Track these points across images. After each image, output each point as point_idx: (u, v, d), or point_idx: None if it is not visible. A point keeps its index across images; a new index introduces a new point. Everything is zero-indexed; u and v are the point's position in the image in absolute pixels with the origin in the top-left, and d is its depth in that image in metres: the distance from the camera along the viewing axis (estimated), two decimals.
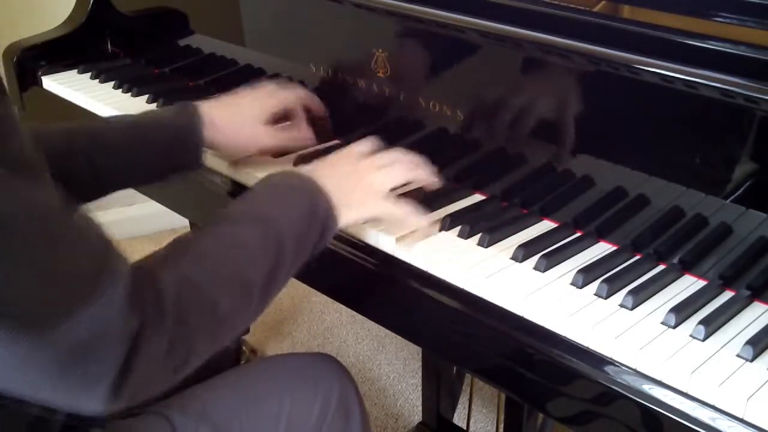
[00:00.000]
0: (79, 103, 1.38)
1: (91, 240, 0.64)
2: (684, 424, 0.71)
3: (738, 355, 0.74)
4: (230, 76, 1.35)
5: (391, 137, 1.11)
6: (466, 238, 0.93)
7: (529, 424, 1.22)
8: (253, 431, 0.91)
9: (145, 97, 1.35)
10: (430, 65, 1.05)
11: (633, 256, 0.90)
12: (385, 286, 0.95)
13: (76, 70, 1.48)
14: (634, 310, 0.81)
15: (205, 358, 0.72)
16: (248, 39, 1.30)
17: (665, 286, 0.85)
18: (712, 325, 0.77)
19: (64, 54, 1.49)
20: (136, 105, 1.33)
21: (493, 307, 0.84)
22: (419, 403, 1.65)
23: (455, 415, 1.59)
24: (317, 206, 0.84)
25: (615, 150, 0.91)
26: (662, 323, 0.78)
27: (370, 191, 0.89)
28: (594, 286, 0.84)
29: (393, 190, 0.92)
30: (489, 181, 1.03)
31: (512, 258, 0.89)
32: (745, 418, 0.69)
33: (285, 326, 2.08)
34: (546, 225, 0.97)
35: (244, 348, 1.88)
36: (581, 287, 0.84)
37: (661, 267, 0.88)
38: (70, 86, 1.41)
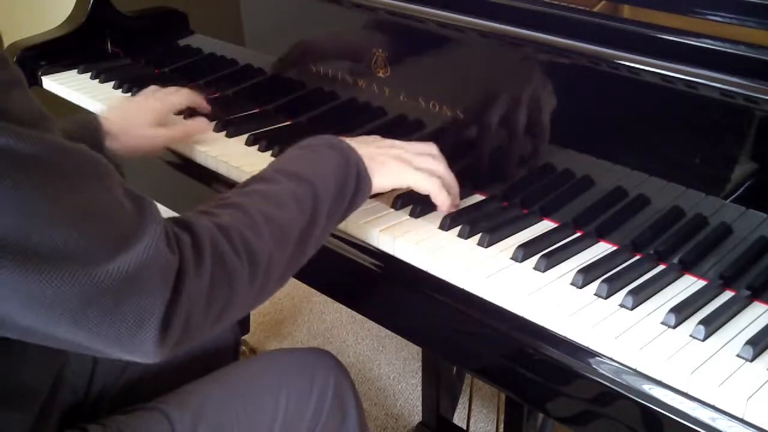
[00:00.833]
0: (79, 103, 1.38)
1: (121, 185, 0.67)
2: (684, 424, 0.71)
3: (738, 355, 0.74)
4: (230, 76, 1.35)
5: (391, 137, 1.12)
6: (466, 238, 0.93)
7: (529, 424, 1.22)
8: (250, 427, 0.91)
9: None
10: (430, 65, 1.05)
11: (633, 256, 0.90)
12: (385, 286, 0.95)
13: (76, 70, 1.48)
14: (634, 310, 0.81)
15: (248, 306, 0.76)
16: (248, 39, 1.30)
17: (665, 286, 0.85)
18: (712, 325, 0.77)
19: (64, 54, 1.49)
20: None
21: (493, 307, 0.84)
22: (419, 403, 1.65)
23: (455, 415, 1.59)
24: (351, 165, 0.86)
25: (615, 150, 0.91)
26: (662, 323, 0.78)
27: (396, 161, 0.91)
28: (594, 286, 0.84)
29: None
30: (489, 181, 1.03)
31: (512, 258, 0.89)
32: (745, 418, 0.69)
33: (285, 326, 2.08)
34: (546, 225, 0.97)
35: (244, 348, 1.88)
36: (581, 287, 0.84)
37: (661, 267, 0.88)
38: (70, 86, 1.41)
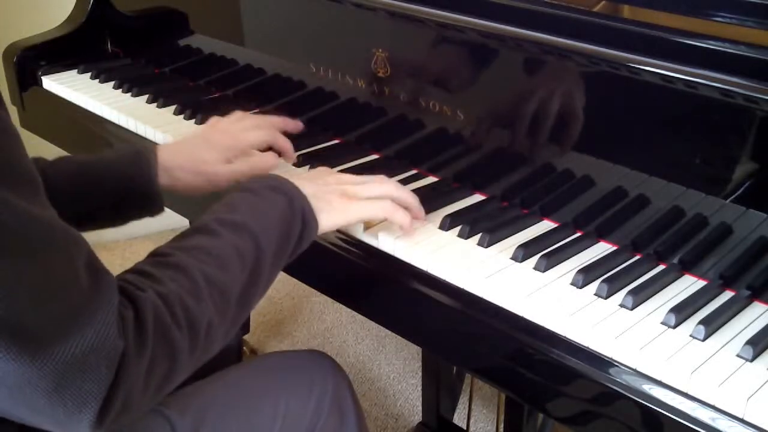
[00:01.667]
0: (79, 103, 1.38)
1: (84, 260, 0.64)
2: (684, 424, 0.71)
3: (738, 355, 0.74)
4: (230, 76, 1.35)
5: (392, 137, 1.12)
6: (466, 238, 0.93)
7: (529, 424, 1.22)
8: (249, 430, 0.91)
9: (145, 97, 1.35)
10: (429, 65, 1.05)
11: (633, 256, 0.90)
12: (385, 287, 0.95)
13: (76, 70, 1.48)
14: (634, 310, 0.81)
15: (190, 371, 0.72)
16: (248, 39, 1.30)
17: (665, 286, 0.85)
18: (712, 325, 0.77)
19: (64, 54, 1.49)
20: (136, 105, 1.33)
21: (493, 307, 0.84)
22: (419, 403, 1.65)
23: (455, 415, 1.59)
24: (295, 208, 0.83)
25: (615, 150, 0.91)
26: (662, 323, 0.78)
27: (344, 198, 0.88)
28: (594, 286, 0.84)
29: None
30: (489, 181, 1.03)
31: (512, 258, 0.89)
32: (745, 418, 0.69)
33: (285, 326, 2.08)
34: (546, 225, 0.97)
35: (244, 348, 1.88)
36: (581, 287, 0.84)
37: (661, 267, 0.88)
38: (70, 86, 1.41)
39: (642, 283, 0.84)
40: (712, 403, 0.70)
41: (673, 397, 0.72)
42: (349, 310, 1.16)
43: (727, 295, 0.83)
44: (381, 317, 0.99)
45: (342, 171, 1.07)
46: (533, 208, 0.99)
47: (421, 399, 1.60)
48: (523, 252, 0.89)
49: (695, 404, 0.71)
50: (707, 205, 0.85)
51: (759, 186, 0.81)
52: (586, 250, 0.91)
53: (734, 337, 0.77)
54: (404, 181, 1.05)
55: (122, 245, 2.17)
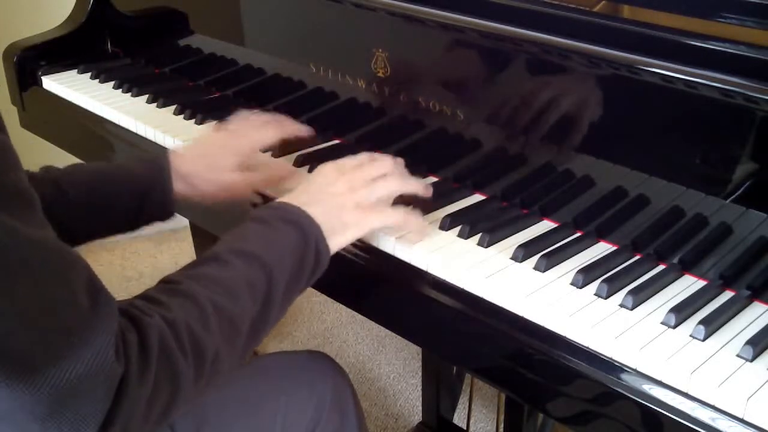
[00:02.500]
0: (79, 103, 1.38)
1: (83, 281, 0.62)
2: (684, 424, 0.71)
3: (738, 355, 0.74)
4: (230, 76, 1.35)
5: (392, 137, 1.12)
6: (466, 238, 0.93)
7: (529, 424, 1.22)
8: (250, 430, 0.91)
9: (145, 97, 1.35)
10: (430, 65, 1.05)
11: (633, 256, 0.90)
12: (385, 286, 0.95)
13: (76, 70, 1.48)
14: (634, 310, 0.81)
15: (193, 399, 0.70)
16: (248, 39, 1.30)
17: (665, 286, 0.85)
18: (712, 325, 0.77)
19: (64, 54, 1.49)
20: (136, 105, 1.33)
21: (493, 307, 0.84)
22: (419, 403, 1.66)
23: (455, 415, 1.59)
24: (309, 241, 0.81)
25: (615, 150, 0.91)
26: (662, 323, 0.78)
27: (359, 209, 0.86)
28: (594, 286, 0.84)
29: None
30: (489, 181, 1.03)
31: (512, 258, 0.89)
32: (745, 418, 0.69)
33: (285, 326, 2.08)
34: (546, 225, 0.97)
35: None
36: (581, 287, 0.84)
37: (661, 267, 0.88)
38: (70, 86, 1.41)
39: (642, 283, 0.84)
40: (712, 403, 0.70)
41: (673, 397, 0.72)
42: (349, 310, 1.16)
43: (727, 295, 0.83)
44: (381, 317, 0.99)
45: None
46: (533, 208, 0.99)
47: (421, 399, 1.60)
48: (523, 252, 0.89)
49: (695, 404, 0.71)
50: (707, 205, 0.85)
51: (759, 186, 0.81)
52: (586, 250, 0.91)
53: (734, 337, 0.77)
54: None
55: (122, 245, 2.17)
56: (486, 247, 0.91)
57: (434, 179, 1.07)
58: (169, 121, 1.26)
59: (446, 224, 0.95)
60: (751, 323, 0.79)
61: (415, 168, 1.09)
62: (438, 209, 0.99)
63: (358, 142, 1.16)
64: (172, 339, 0.67)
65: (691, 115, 0.84)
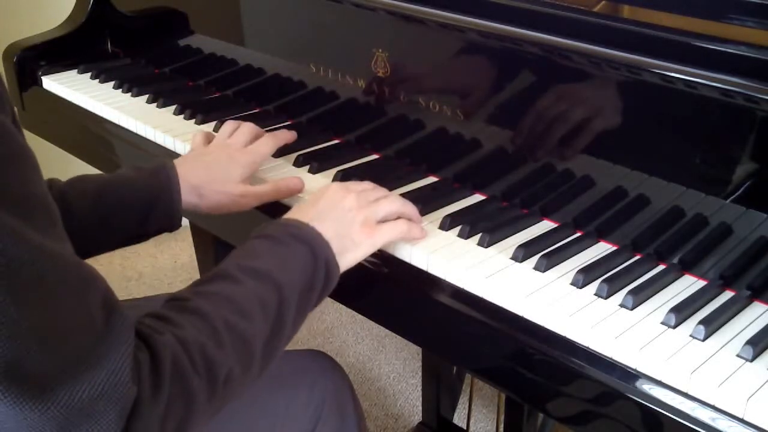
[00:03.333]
0: (79, 103, 1.38)
1: (99, 298, 0.61)
2: (684, 424, 0.71)
3: (738, 355, 0.74)
4: (230, 76, 1.35)
5: (392, 137, 1.12)
6: (466, 238, 0.93)
7: (529, 424, 1.22)
8: (250, 430, 0.91)
9: (145, 97, 1.35)
10: (430, 65, 1.05)
11: (633, 256, 0.90)
12: (384, 286, 0.95)
13: (76, 70, 1.48)
14: (634, 310, 0.81)
15: (207, 420, 0.69)
16: (248, 39, 1.30)
17: (665, 286, 0.85)
18: (712, 325, 0.77)
19: (64, 54, 1.49)
20: (136, 105, 1.33)
21: (493, 307, 0.84)
22: (419, 403, 1.66)
23: (455, 415, 1.59)
24: (319, 259, 0.81)
25: (615, 150, 0.91)
26: (662, 323, 0.78)
27: (368, 226, 0.87)
28: (594, 286, 0.84)
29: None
30: (489, 181, 1.03)
31: (512, 258, 0.89)
32: (745, 418, 0.69)
33: None
34: (546, 225, 0.97)
35: None
36: (581, 287, 0.84)
37: (661, 267, 0.88)
38: (70, 86, 1.41)
39: (642, 283, 0.84)
40: (712, 403, 0.70)
41: (673, 397, 0.72)
42: (349, 310, 1.16)
43: (727, 295, 0.83)
44: (381, 317, 0.99)
45: (341, 170, 1.07)
46: (533, 208, 0.99)
47: (421, 399, 1.60)
48: (523, 252, 0.89)
49: (695, 404, 0.71)
50: (707, 205, 0.85)
51: (759, 186, 0.81)
52: (586, 250, 0.91)
53: (734, 337, 0.77)
54: (404, 181, 1.06)
55: (129, 248, 2.17)
56: (486, 247, 0.91)
57: (434, 179, 1.07)
58: (169, 121, 1.26)
59: (446, 224, 0.95)
60: (751, 323, 0.79)
61: (415, 168, 1.09)
62: (438, 209, 0.99)
63: (358, 142, 1.16)
64: (185, 358, 0.65)
65: (691, 115, 0.84)
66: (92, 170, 1.09)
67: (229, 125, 1.08)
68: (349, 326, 2.07)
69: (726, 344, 0.76)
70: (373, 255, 0.93)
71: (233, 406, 0.90)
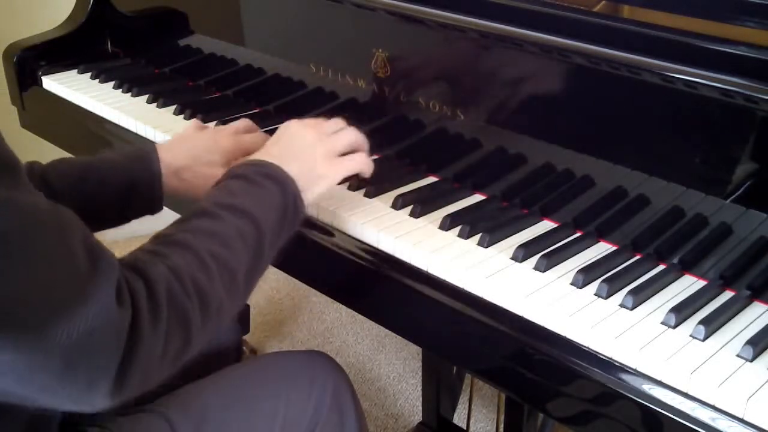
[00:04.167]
0: (80, 103, 1.38)
1: (79, 238, 0.64)
2: (684, 424, 0.71)
3: (738, 355, 0.74)
4: (230, 76, 1.35)
5: (392, 137, 1.12)
6: (466, 238, 0.93)
7: (529, 424, 1.22)
8: (250, 430, 0.91)
9: (145, 97, 1.35)
10: (430, 65, 1.05)
11: (633, 256, 0.90)
12: (385, 286, 0.95)
13: (76, 70, 1.48)
14: (634, 310, 0.81)
15: (200, 345, 0.73)
16: (248, 39, 1.30)
17: (665, 286, 0.85)
18: (712, 325, 0.77)
19: (64, 54, 1.49)
20: (136, 105, 1.33)
21: (493, 307, 0.84)
22: (419, 403, 1.65)
23: (455, 415, 1.59)
24: (288, 195, 0.85)
25: (615, 150, 0.91)
26: (662, 323, 0.78)
27: (328, 160, 0.92)
28: (594, 286, 0.84)
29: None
30: (489, 181, 1.03)
31: (512, 258, 0.89)
32: (745, 418, 0.69)
33: (285, 326, 2.08)
34: (546, 225, 0.97)
35: (244, 348, 1.88)
36: (581, 287, 0.84)
37: (661, 267, 0.88)
38: (70, 86, 1.41)
39: (642, 283, 0.84)
40: (712, 403, 0.70)
41: (673, 397, 0.72)
42: (349, 310, 1.16)
43: (727, 295, 0.83)
44: (381, 317, 0.99)
45: None
46: (533, 208, 0.99)
47: (421, 399, 1.60)
48: (523, 252, 0.89)
49: (695, 404, 0.71)
50: (707, 205, 0.85)
51: (759, 186, 0.81)
52: (586, 250, 0.91)
53: (734, 337, 0.77)
54: (404, 181, 1.06)
55: (122, 245, 2.17)
56: (486, 247, 0.91)
57: (434, 179, 1.07)
58: (169, 121, 1.26)
59: (446, 224, 0.95)
60: (751, 323, 0.79)
61: (415, 168, 1.09)
62: (438, 209, 0.99)
63: None
64: (177, 285, 0.69)
65: (691, 115, 0.84)
66: None
67: (242, 123, 1.10)
68: (349, 326, 2.07)
69: (726, 344, 0.76)
70: (373, 254, 0.93)
71: (234, 405, 0.91)
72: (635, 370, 0.75)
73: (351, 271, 0.97)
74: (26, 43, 1.47)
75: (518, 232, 0.95)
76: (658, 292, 0.84)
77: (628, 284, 0.84)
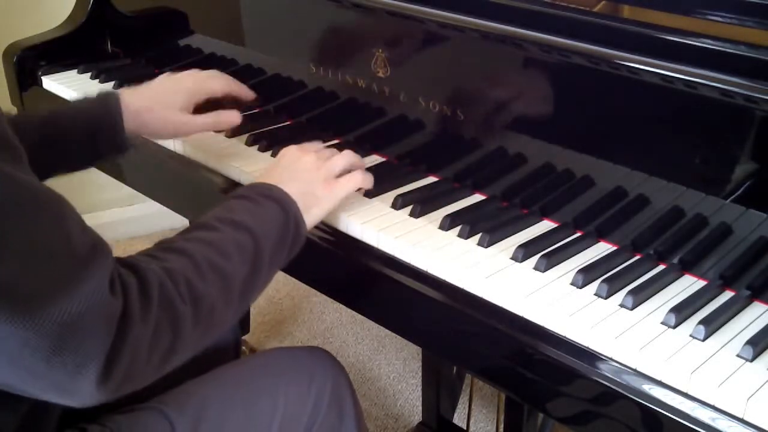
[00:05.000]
0: None
1: (76, 220, 0.66)
2: (684, 424, 0.71)
3: (738, 355, 0.74)
4: (230, 76, 1.35)
5: (392, 137, 1.12)
6: (466, 238, 0.93)
7: (529, 424, 1.22)
8: (248, 427, 0.91)
9: None
10: (430, 65, 1.05)
11: (633, 256, 0.90)
12: (385, 286, 0.95)
13: (76, 70, 1.47)
14: (634, 310, 0.81)
15: (191, 352, 0.74)
16: (248, 39, 1.30)
17: (665, 286, 0.85)
18: (712, 325, 0.77)
19: (64, 54, 1.49)
20: None
21: (493, 307, 0.84)
22: (419, 403, 1.65)
23: (455, 415, 1.59)
24: (289, 215, 0.87)
25: (615, 150, 0.91)
26: (662, 323, 0.78)
27: (327, 183, 0.94)
28: (594, 286, 0.84)
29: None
30: (489, 181, 1.03)
31: (512, 258, 0.89)
32: (745, 418, 0.69)
33: (285, 326, 2.08)
34: (546, 225, 0.97)
35: (244, 348, 1.88)
36: (581, 287, 0.84)
37: (661, 267, 0.88)
38: (70, 86, 1.41)
39: (642, 283, 0.84)
40: (712, 403, 0.70)
41: (673, 397, 0.72)
42: (349, 310, 1.16)
43: (727, 295, 0.83)
44: (381, 317, 0.99)
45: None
46: (533, 208, 0.99)
47: (421, 399, 1.60)
48: (523, 252, 0.89)
49: (695, 404, 0.71)
50: (707, 205, 0.85)
51: (759, 186, 0.81)
52: (586, 250, 0.91)
53: (734, 337, 0.77)
54: (404, 181, 1.06)
55: (122, 245, 2.17)
56: (486, 247, 0.91)
57: (434, 179, 1.08)
58: None
59: (446, 224, 0.95)
60: (751, 323, 0.79)
61: (415, 168, 1.09)
62: (438, 209, 0.99)
63: (358, 142, 1.16)
64: (171, 285, 0.71)
65: (691, 115, 0.84)
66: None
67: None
68: (349, 326, 2.07)
69: (726, 344, 0.76)
70: (373, 255, 0.93)
71: (233, 401, 0.91)
72: (635, 370, 0.75)
73: (351, 271, 0.97)
74: (26, 43, 1.47)
75: (518, 232, 0.95)
76: (658, 292, 0.84)
77: (628, 284, 0.84)
